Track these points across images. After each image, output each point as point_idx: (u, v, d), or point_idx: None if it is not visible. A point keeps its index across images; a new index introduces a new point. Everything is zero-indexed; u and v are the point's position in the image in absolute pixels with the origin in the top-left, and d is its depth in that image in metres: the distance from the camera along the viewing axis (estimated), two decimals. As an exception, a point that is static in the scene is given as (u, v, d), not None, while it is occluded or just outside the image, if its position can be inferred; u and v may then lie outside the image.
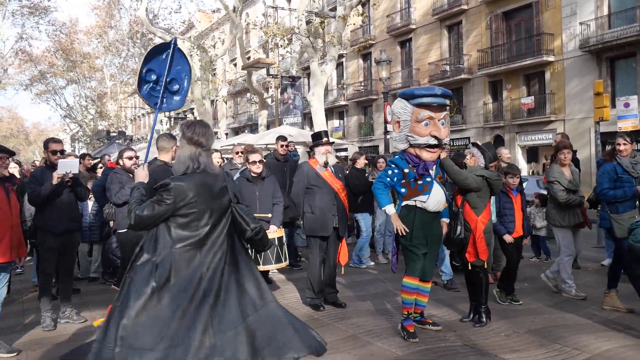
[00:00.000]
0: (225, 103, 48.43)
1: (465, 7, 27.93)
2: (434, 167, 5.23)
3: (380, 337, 5.18)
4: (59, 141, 6.06)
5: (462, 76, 28.00)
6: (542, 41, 24.08)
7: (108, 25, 40.24)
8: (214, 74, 30.05)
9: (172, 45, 4.68)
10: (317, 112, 19.45)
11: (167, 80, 4.67)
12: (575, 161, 8.15)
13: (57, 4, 64.87)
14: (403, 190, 5.16)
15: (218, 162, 7.91)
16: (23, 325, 5.97)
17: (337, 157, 8.83)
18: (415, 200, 5.12)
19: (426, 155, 5.12)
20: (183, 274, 3.18)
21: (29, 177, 6.16)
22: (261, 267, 6.35)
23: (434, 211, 5.20)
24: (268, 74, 26.74)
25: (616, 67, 22.21)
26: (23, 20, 33.78)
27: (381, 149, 27.62)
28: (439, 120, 5.08)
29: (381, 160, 9.88)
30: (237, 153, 8.86)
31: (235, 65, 45.96)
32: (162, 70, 4.67)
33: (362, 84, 35.86)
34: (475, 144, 5.95)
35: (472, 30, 28.00)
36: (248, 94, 43.36)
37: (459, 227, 5.41)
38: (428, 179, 5.12)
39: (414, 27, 31.25)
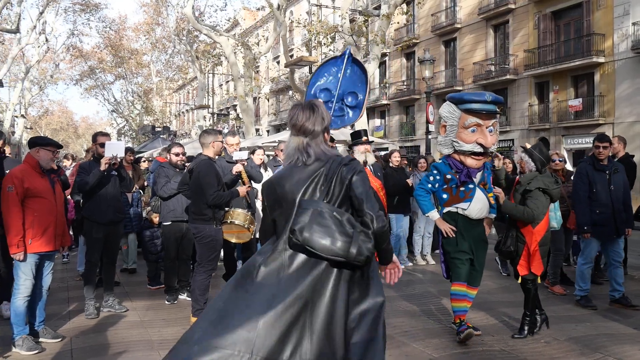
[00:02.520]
0: (268, 100, 48.90)
1: (512, 6, 27.39)
2: (478, 174, 5.08)
3: (416, 339, 5.16)
4: (107, 135, 6.30)
5: (508, 77, 27.48)
6: (592, 42, 23.42)
7: (155, 23, 40.99)
8: (257, 72, 30.35)
9: (346, 57, 4.91)
10: (359, 110, 19.40)
11: (342, 93, 4.99)
12: (632, 164, 7.91)
13: (108, 0, 66.48)
14: (445, 196, 5.08)
15: (260, 160, 7.98)
16: (68, 312, 6.17)
17: (375, 156, 8.81)
18: (457, 207, 5.03)
19: (470, 162, 4.97)
20: None
21: (78, 169, 6.39)
22: None
23: (477, 218, 5.08)
24: (310, 72, 26.82)
25: (670, 68, 21.47)
26: (75, 17, 34.76)
27: (422, 150, 27.37)
28: (487, 128, 4.92)
29: (422, 160, 9.77)
30: (281, 150, 8.95)
31: (278, 62, 46.25)
32: (335, 86, 4.98)
33: (405, 83, 35.58)
34: (523, 148, 5.57)
35: (519, 30, 27.45)
36: (290, 92, 43.59)
37: (508, 240, 5.19)
38: (471, 186, 5.00)
39: (459, 26, 30.84)
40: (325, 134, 2.99)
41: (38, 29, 31.25)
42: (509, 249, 5.20)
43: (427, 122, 17.00)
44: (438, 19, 32.37)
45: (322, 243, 2.56)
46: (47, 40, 33.06)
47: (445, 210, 5.07)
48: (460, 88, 30.56)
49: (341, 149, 15.26)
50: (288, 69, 27.22)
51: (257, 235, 7.87)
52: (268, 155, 11.09)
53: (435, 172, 5.17)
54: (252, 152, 8.06)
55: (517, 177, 5.56)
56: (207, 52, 36.21)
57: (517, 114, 27.63)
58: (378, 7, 23.26)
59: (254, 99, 31.16)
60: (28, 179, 4.88)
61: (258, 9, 49.97)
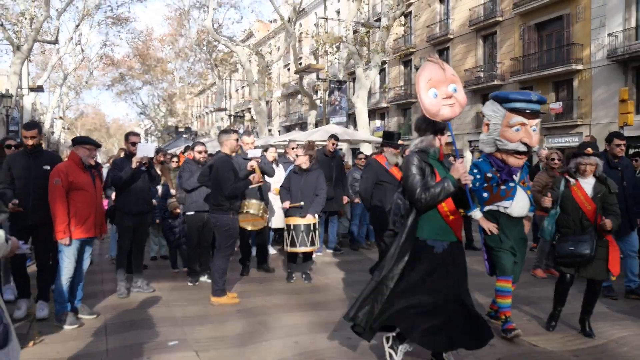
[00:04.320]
0: (279, 103, 48.88)
1: (500, 18, 27.24)
2: (519, 172, 4.67)
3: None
4: (137, 134, 6.36)
5: (495, 82, 27.34)
6: (572, 51, 23.27)
7: (179, 34, 40.99)
8: (270, 78, 30.32)
9: None
10: (361, 113, 19.42)
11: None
12: None
13: (136, 15, 66.53)
14: (485, 194, 4.64)
15: (273, 157, 8.01)
16: (102, 291, 6.24)
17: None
18: (498, 206, 4.62)
19: (513, 160, 4.55)
20: None
21: (111, 165, 6.44)
22: (295, 249, 6.53)
23: (518, 217, 4.67)
24: (317, 78, 26.78)
25: (642, 75, 21.30)
26: (107, 30, 34.91)
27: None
28: (530, 127, 4.50)
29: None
30: (292, 149, 8.99)
31: (288, 69, 46.18)
32: None
33: (403, 88, 35.51)
34: (588, 154, 4.76)
35: (506, 40, 27.30)
36: (299, 96, 43.55)
37: (585, 245, 4.53)
38: (511, 184, 4.59)
39: (451, 36, 30.70)
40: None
41: (74, 40, 31.31)
42: (590, 254, 4.52)
43: (422, 123, 16.93)
44: (433, 30, 32.24)
45: None
46: (82, 50, 33.11)
47: (486, 208, 4.63)
48: (452, 92, 30.46)
49: (345, 147, 15.25)
50: (297, 75, 27.21)
51: (270, 224, 7.95)
52: (279, 154, 11.11)
53: (475, 170, 4.72)
54: (266, 150, 8.09)
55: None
56: (225, 60, 36.25)
57: (503, 116, 27.48)
58: (378, 20, 23.19)
59: (267, 102, 31.18)
60: (72, 173, 4.95)
61: (271, 22, 49.91)
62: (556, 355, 4.23)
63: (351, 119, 30.79)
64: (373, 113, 37.12)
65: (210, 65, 35.46)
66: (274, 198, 7.87)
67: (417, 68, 17.45)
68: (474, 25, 28.75)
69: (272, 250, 8.58)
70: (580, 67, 23.02)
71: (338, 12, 38.95)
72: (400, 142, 6.48)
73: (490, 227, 4.51)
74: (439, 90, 3.61)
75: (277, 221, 8.12)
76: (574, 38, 23.40)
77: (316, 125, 25.70)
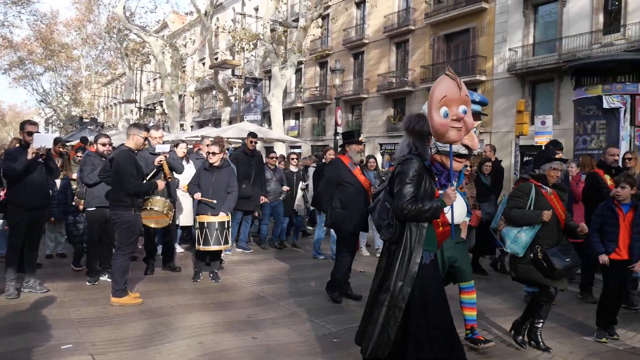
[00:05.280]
0: (193, 98, 47.65)
1: (412, 27, 28.29)
2: (457, 177, 4.46)
3: (318, 315, 5.22)
4: (34, 123, 5.87)
5: (406, 88, 28.37)
6: (477, 62, 24.66)
7: (87, 19, 38.81)
8: (184, 71, 29.50)
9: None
10: (276, 111, 19.39)
11: None
12: (500, 169, 8.36)
13: (39, -5, 62.20)
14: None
15: (183, 152, 7.77)
16: (-12, 292, 5.74)
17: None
18: None
19: (453, 164, 4.14)
20: None
21: (4, 155, 5.93)
22: (208, 248, 6.38)
23: (457, 223, 4.38)
24: (233, 74, 26.38)
25: (537, 89, 22.95)
26: (5, 9, 32.25)
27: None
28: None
29: (372, 160, 9.03)
30: (207, 145, 8.68)
31: (203, 64, 45.14)
32: None
33: (318, 89, 35.89)
34: (559, 159, 4.60)
35: (417, 48, 28.40)
36: (214, 91, 42.76)
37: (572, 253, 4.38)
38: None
39: (366, 41, 31.45)
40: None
41: (-34, 17, 28.69)
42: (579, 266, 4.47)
43: (336, 124, 17.21)
44: (349, 34, 32.85)
45: None
46: (-25, 29, 30.45)
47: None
48: (365, 96, 31.25)
49: (259, 145, 15.15)
50: (212, 71, 26.65)
51: (178, 222, 7.71)
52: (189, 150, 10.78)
53: None
54: (176, 146, 7.84)
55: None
56: (137, 51, 34.79)
57: (413, 121, 28.56)
58: (296, 20, 23.26)
59: (180, 96, 30.28)
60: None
61: (186, 14, 48.60)
62: None
63: (266, 118, 30.65)
64: (288, 112, 37.19)
65: (121, 54, 33.86)
66: (182, 195, 7.65)
67: (332, 70, 17.67)
68: (388, 32, 29.65)
69: (179, 249, 8.34)
70: (483, 78, 24.44)
71: (256, 9, 38.66)
72: (360, 138, 6.16)
73: None
74: (451, 110, 3.45)
75: (185, 219, 7.89)
76: (479, 50, 24.81)
77: (230, 122, 25.34)
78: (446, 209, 3.97)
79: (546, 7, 22.50)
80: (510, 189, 11.42)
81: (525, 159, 20.85)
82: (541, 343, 4.45)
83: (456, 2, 25.83)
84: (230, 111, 26.51)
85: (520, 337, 4.53)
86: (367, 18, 31.67)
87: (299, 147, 31.36)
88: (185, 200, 7.73)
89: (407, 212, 3.19)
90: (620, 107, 7.89)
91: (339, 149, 8.53)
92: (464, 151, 4.27)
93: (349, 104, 32.81)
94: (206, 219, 6.39)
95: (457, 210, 4.25)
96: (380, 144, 30.39)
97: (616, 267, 4.68)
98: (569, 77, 9.82)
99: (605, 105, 7.96)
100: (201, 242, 6.41)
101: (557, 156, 4.90)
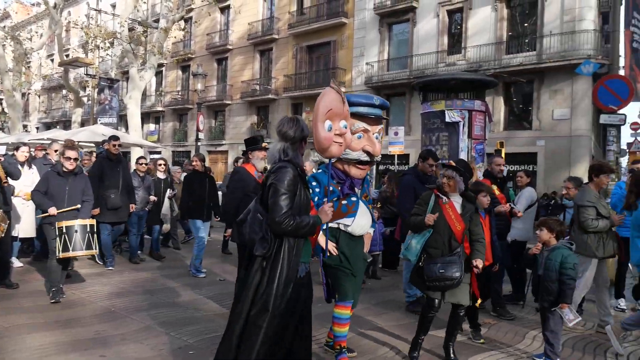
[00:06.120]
0: (39, 97, 43.66)
1: (276, 36, 28.70)
2: (361, 185, 4.20)
3: (173, 328, 5.03)
4: None
5: (270, 96, 28.67)
6: (337, 74, 25.73)
7: None
8: (28, 67, 26.82)
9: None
10: (133, 115, 18.50)
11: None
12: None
13: None
14: None
15: (25, 157, 7.03)
16: None
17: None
18: (338, 223, 4.05)
19: (355, 172, 4.06)
20: None
21: None
22: (70, 254, 5.79)
23: (360, 235, 4.19)
24: (86, 73, 24.66)
25: (391, 102, 24.53)
26: None
27: (192, 155, 27.06)
28: (373, 134, 4.08)
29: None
30: (55, 151, 7.89)
31: (52, 60, 41.56)
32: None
33: (180, 93, 34.87)
34: (448, 165, 4.40)
35: (281, 57, 28.86)
36: (64, 91, 39.60)
37: (454, 268, 4.11)
38: (354, 199, 4.05)
39: (230, 47, 31.25)
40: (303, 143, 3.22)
41: None
42: (457, 279, 4.14)
43: (197, 130, 16.81)
44: (212, 38, 32.40)
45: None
46: None
47: (324, 226, 3.83)
48: (229, 102, 31.03)
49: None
50: (62, 68, 24.66)
51: (15, 234, 6.94)
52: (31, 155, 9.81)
53: (314, 183, 4.07)
54: (16, 149, 7.08)
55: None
56: (-30, 41, 30.97)
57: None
58: (157, 21, 22.39)
59: (23, 94, 27.57)
60: None
61: (33, 5, 44.48)
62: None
63: (123, 121, 29.07)
64: (147, 116, 35.67)
65: (-50, 44, 29.91)
66: (24, 204, 6.92)
67: (194, 74, 17.25)
68: (253, 40, 29.78)
69: (17, 263, 7.52)
70: (343, 89, 25.47)
71: (113, 6, 36.59)
72: (264, 144, 5.82)
73: (330, 248, 3.98)
74: (334, 124, 3.36)
75: (26, 230, 7.15)
76: (339, 63, 25.93)
77: (82, 125, 23.71)
78: (349, 220, 4.02)
79: (399, 26, 24.20)
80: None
81: (381, 167, 22.18)
82: (414, 357, 4.33)
83: (318, 15, 26.75)
84: (82, 113, 24.76)
85: (416, 353, 4.36)
86: (231, 24, 31.50)
87: (159, 152, 30.15)
88: (27, 210, 7.01)
89: (284, 226, 2.95)
90: (460, 122, 8.71)
91: (240, 159, 7.96)
92: (365, 158, 4.06)
93: (212, 109, 32.32)
94: (65, 223, 5.77)
95: (361, 221, 4.08)
96: (244, 151, 30.29)
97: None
98: (417, 92, 10.62)
99: (447, 119, 8.71)
100: (60, 250, 5.70)
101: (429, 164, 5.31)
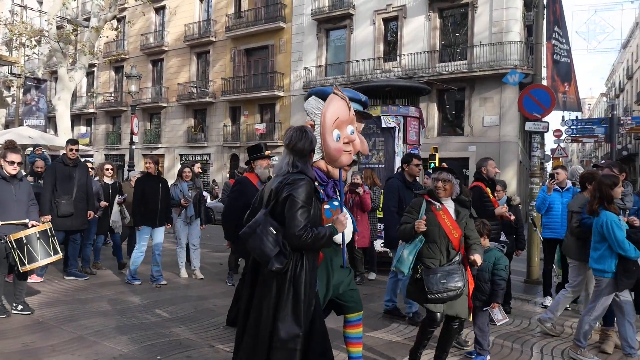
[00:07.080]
0: (-43, 96, 40.96)
1: (213, 39, 28.37)
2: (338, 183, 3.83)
3: (107, 337, 4.88)
4: None
5: (207, 99, 28.30)
6: (275, 78, 25.76)
7: None
8: (-55, 64, 25.10)
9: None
10: (63, 116, 17.77)
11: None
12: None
13: None
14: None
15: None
16: None
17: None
18: None
19: (338, 171, 3.71)
20: None
21: None
22: (37, 264, 5.46)
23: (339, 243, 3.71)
24: (10, 72, 23.38)
25: (330, 107, 24.88)
26: None
27: (127, 159, 26.28)
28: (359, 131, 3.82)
29: (187, 170, 8.23)
30: None
31: (-28, 58, 39.11)
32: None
33: (113, 94, 33.73)
34: (442, 169, 4.08)
35: (218, 60, 28.55)
36: (-14, 90, 37.28)
37: (456, 277, 3.83)
38: (336, 203, 3.65)
39: (166, 49, 30.59)
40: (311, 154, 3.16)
41: None
42: (460, 290, 3.87)
43: (132, 133, 16.34)
44: (147, 39, 31.61)
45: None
46: None
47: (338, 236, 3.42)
48: (165, 105, 30.37)
49: (46, 153, 13.63)
50: (-17, 66, 23.25)
51: None
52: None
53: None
54: None
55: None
56: None
57: (213, 132, 28.60)
58: (88, 19, 21.59)
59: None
60: None
61: (-51, -3, 41.55)
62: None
63: (51, 123, 27.82)
64: (78, 118, 34.31)
65: None
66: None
67: (128, 76, 16.76)
68: (189, 41, 29.30)
69: None
70: (281, 93, 25.62)
71: (40, 3, 34.91)
72: (267, 152, 5.57)
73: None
74: (342, 133, 3.24)
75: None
76: (277, 67, 25.96)
77: (7, 127, 22.49)
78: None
79: (337, 32, 24.55)
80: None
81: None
82: None
83: (256, 18, 26.69)
84: (6, 114, 23.44)
85: None
86: (166, 25, 30.85)
87: (91, 155, 28.95)
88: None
89: (304, 240, 2.88)
90: (395, 127, 8.96)
91: (243, 169, 7.51)
92: (353, 157, 3.76)
93: (148, 112, 31.51)
94: (22, 233, 5.42)
95: (347, 230, 3.58)
96: (181, 155, 29.76)
97: None
98: (354, 98, 10.80)
99: (383, 125, 8.95)
100: (26, 262, 5.34)
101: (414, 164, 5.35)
